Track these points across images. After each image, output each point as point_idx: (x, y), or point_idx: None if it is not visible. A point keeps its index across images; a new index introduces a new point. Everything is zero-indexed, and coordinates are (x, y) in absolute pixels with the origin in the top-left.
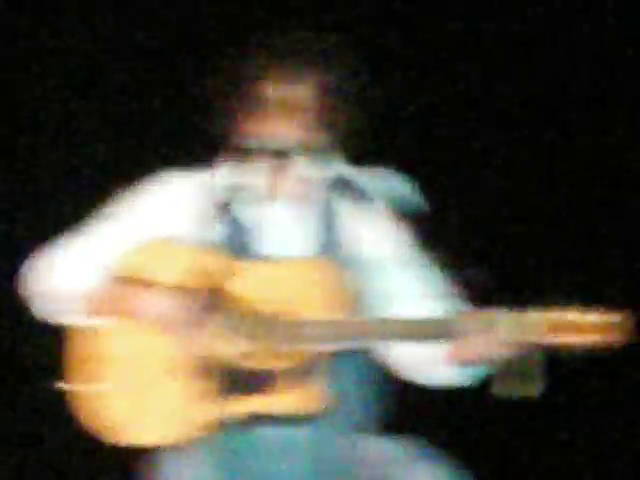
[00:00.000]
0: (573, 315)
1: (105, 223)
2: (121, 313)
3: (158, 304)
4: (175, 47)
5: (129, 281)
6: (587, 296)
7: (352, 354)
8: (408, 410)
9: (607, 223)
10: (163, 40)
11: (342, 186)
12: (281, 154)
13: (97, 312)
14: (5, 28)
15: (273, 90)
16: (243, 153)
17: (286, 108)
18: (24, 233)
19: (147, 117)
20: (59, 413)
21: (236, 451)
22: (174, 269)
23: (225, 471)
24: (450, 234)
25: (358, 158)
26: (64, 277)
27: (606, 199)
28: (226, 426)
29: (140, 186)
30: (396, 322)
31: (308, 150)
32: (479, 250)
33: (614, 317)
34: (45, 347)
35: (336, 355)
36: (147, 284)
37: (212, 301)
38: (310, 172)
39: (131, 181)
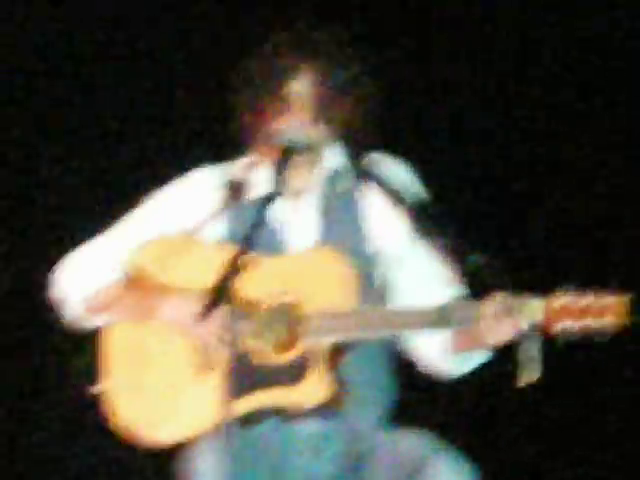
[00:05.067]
0: (581, 298)
1: (126, 222)
2: (136, 316)
3: (173, 309)
4: (197, 48)
5: (143, 284)
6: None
7: (364, 346)
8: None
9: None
10: (185, 41)
11: (358, 177)
12: (300, 148)
13: (112, 314)
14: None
15: (287, 86)
16: (267, 150)
17: (302, 102)
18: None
19: (170, 119)
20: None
21: (252, 445)
22: (191, 264)
23: (241, 465)
24: (452, 221)
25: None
26: (82, 279)
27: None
28: (240, 421)
29: (164, 185)
30: (409, 312)
31: (321, 144)
32: (481, 237)
33: (620, 299)
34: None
35: (347, 347)
36: (161, 288)
37: (223, 298)
38: (330, 164)
39: (157, 182)
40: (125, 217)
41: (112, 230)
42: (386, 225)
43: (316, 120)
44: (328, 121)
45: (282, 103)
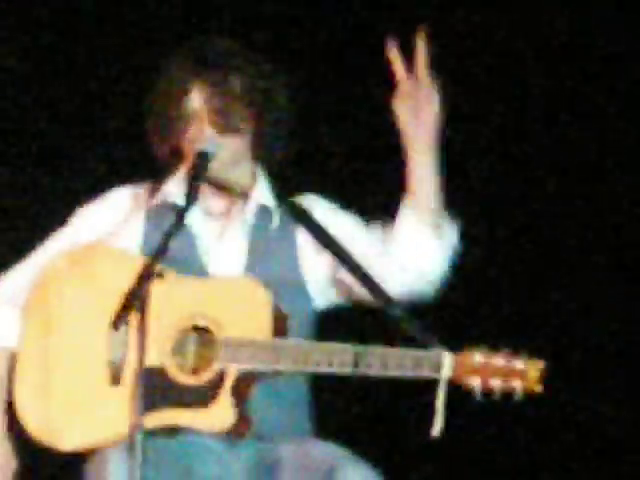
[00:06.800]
0: (492, 358)
1: (45, 244)
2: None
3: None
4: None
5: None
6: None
7: (278, 379)
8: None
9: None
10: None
11: (288, 216)
12: (211, 155)
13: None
14: None
15: (183, 103)
16: (177, 169)
17: (200, 117)
18: None
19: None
20: None
21: (162, 453)
22: (104, 272)
23: (150, 472)
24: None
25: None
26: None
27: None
28: (148, 433)
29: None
30: (322, 350)
31: (235, 153)
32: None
33: (532, 365)
34: None
35: (258, 378)
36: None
37: (135, 306)
38: (259, 199)
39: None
40: (46, 240)
41: (31, 253)
42: (315, 262)
43: (220, 131)
44: (233, 131)
45: (183, 120)
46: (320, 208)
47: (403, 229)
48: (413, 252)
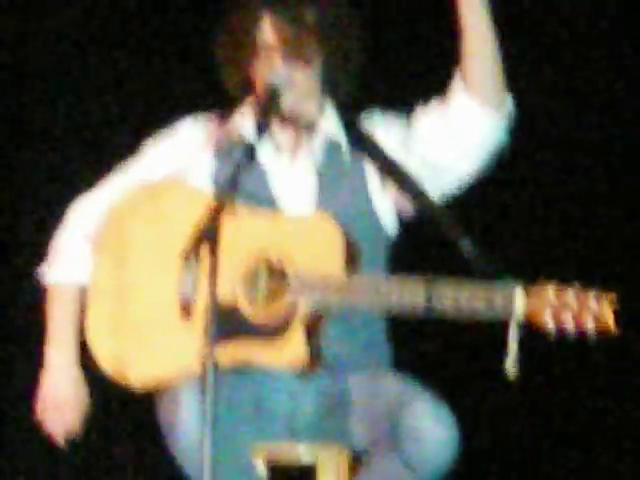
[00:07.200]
0: (566, 293)
1: (118, 175)
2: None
3: None
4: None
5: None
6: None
7: (353, 315)
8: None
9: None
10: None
11: (355, 146)
12: (282, 88)
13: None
14: None
15: (254, 36)
16: (255, 99)
17: (271, 49)
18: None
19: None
20: None
21: (232, 388)
22: (172, 207)
23: (221, 407)
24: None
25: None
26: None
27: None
28: (220, 366)
29: (154, 136)
30: (385, 281)
31: (306, 86)
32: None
33: (604, 299)
34: None
35: (330, 314)
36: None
37: (208, 241)
38: (327, 133)
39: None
40: (112, 173)
41: (98, 187)
42: (385, 192)
43: (290, 62)
44: (303, 63)
45: (253, 50)
46: (381, 127)
47: (453, 98)
48: (464, 122)
